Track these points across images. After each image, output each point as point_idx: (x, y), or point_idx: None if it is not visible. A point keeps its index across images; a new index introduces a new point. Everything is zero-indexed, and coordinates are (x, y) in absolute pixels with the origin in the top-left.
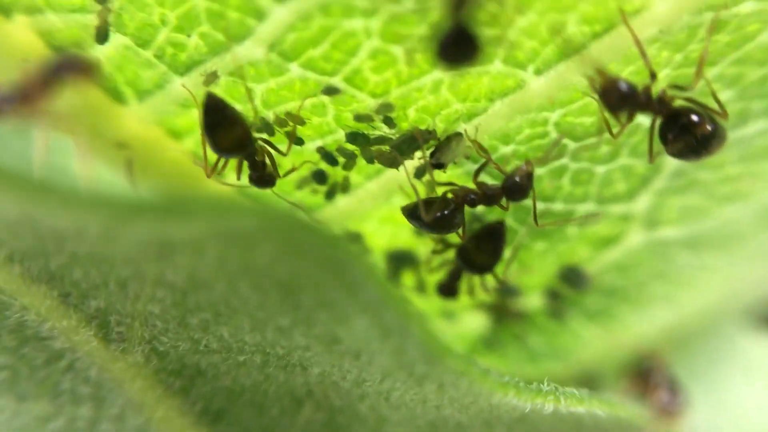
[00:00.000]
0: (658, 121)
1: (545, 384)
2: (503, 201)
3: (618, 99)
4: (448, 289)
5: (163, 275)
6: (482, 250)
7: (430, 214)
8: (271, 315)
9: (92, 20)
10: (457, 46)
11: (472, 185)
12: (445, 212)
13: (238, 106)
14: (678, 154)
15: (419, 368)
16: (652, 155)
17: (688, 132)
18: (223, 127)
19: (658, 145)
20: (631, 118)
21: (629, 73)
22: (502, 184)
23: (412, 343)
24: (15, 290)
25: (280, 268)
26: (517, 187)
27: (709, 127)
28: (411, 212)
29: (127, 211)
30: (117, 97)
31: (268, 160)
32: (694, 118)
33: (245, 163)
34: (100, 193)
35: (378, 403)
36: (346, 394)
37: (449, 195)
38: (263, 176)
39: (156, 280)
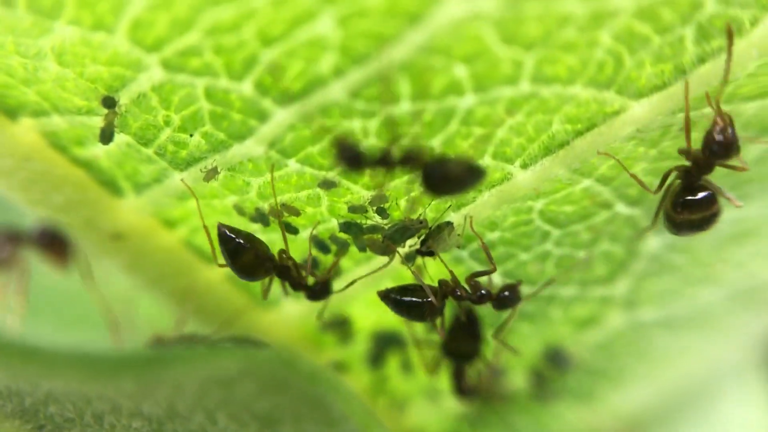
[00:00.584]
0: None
1: None
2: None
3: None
4: (462, 390)
5: (140, 408)
6: (463, 340)
7: (405, 298)
8: None
9: (98, 122)
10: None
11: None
12: (420, 299)
13: (234, 198)
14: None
15: None
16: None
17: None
18: (241, 254)
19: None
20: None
21: (608, 167)
22: (494, 294)
23: None
24: None
25: (260, 402)
26: (505, 301)
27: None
28: (385, 294)
29: (108, 367)
30: (114, 190)
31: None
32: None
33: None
34: (81, 355)
35: None
36: None
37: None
38: (305, 286)
39: (132, 412)
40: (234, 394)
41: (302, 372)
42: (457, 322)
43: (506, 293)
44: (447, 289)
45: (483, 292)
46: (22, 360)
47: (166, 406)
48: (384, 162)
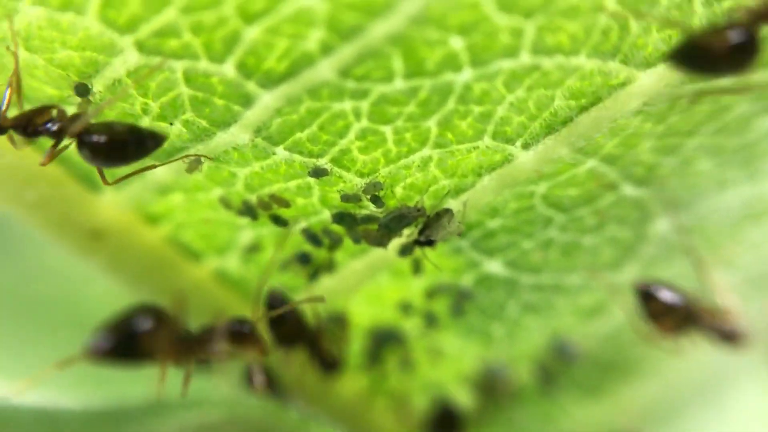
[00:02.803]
0: None
1: None
2: None
3: None
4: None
5: None
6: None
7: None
8: None
9: (71, 111)
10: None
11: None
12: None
13: (220, 190)
14: None
15: None
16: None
17: None
18: (283, 321)
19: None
20: None
21: (614, 145)
22: None
23: None
24: None
25: None
26: None
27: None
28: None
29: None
30: (91, 185)
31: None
32: None
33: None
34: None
35: None
36: None
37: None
38: (326, 360)
39: None
40: None
41: (289, 420)
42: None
43: None
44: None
45: None
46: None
47: None
48: None
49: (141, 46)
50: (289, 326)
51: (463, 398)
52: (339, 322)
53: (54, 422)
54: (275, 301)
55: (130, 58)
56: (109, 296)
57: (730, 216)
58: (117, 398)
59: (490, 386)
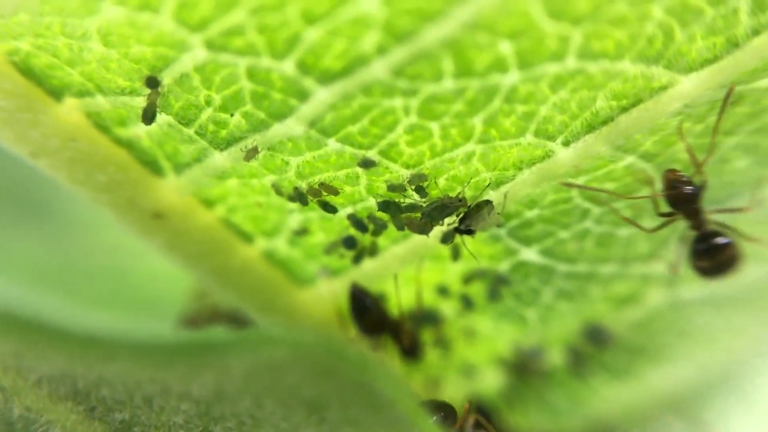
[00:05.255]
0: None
1: None
2: None
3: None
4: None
5: (189, 391)
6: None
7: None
8: (295, 427)
9: (140, 102)
10: None
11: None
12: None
13: (273, 177)
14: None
15: None
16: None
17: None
18: (366, 313)
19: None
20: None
21: (653, 142)
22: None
23: None
24: (42, 408)
25: (307, 388)
26: None
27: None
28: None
29: (156, 350)
30: (155, 170)
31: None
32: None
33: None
34: (139, 342)
35: None
36: None
37: None
38: (407, 349)
39: (181, 394)
40: (281, 380)
41: (350, 359)
42: None
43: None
44: None
45: None
46: (82, 348)
47: (214, 389)
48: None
49: (209, 44)
50: (373, 318)
51: (496, 379)
52: (432, 316)
53: (141, 349)
54: (358, 295)
55: (198, 55)
56: (159, 271)
57: (764, 212)
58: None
59: (523, 367)
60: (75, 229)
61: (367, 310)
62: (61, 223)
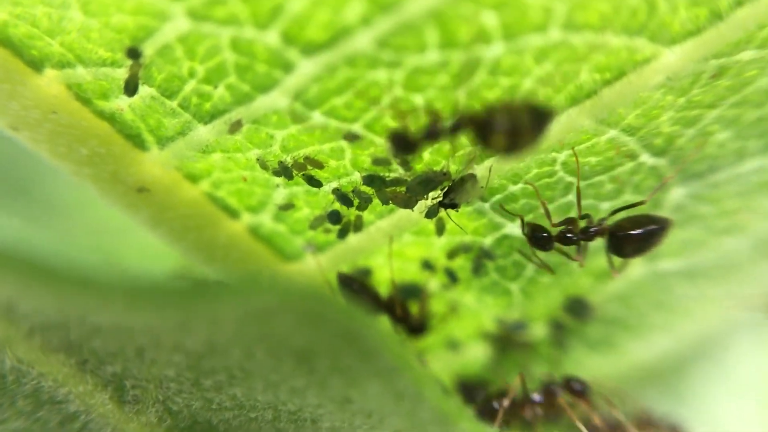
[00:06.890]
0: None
1: None
2: None
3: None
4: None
5: (181, 342)
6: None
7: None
8: (285, 378)
9: (122, 74)
10: None
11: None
12: None
13: (258, 151)
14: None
15: (432, 429)
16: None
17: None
18: (355, 297)
19: None
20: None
21: (635, 116)
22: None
23: (425, 408)
24: (34, 360)
25: (296, 337)
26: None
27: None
28: None
29: (149, 293)
30: (139, 143)
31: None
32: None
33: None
34: (121, 276)
35: None
36: None
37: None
38: (411, 324)
39: (173, 346)
40: (271, 329)
41: (338, 307)
42: None
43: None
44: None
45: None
46: (75, 293)
47: (205, 341)
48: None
49: (192, 13)
50: (364, 301)
51: (481, 352)
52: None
53: (135, 292)
54: (346, 281)
55: (180, 25)
56: (144, 247)
57: (744, 184)
58: None
59: (507, 340)
60: (59, 211)
61: (356, 295)
62: (45, 205)
